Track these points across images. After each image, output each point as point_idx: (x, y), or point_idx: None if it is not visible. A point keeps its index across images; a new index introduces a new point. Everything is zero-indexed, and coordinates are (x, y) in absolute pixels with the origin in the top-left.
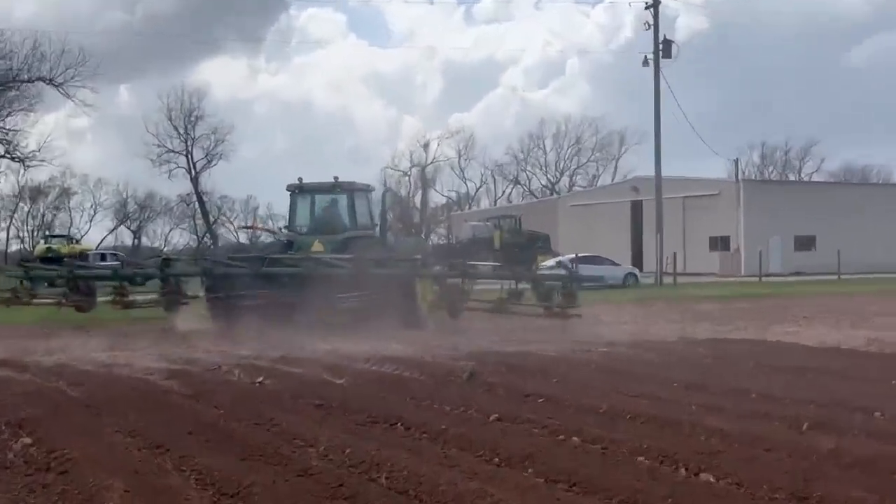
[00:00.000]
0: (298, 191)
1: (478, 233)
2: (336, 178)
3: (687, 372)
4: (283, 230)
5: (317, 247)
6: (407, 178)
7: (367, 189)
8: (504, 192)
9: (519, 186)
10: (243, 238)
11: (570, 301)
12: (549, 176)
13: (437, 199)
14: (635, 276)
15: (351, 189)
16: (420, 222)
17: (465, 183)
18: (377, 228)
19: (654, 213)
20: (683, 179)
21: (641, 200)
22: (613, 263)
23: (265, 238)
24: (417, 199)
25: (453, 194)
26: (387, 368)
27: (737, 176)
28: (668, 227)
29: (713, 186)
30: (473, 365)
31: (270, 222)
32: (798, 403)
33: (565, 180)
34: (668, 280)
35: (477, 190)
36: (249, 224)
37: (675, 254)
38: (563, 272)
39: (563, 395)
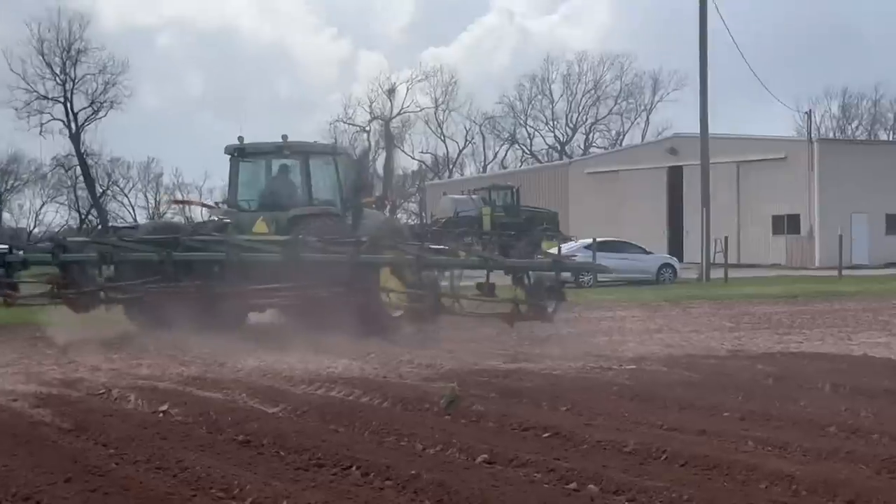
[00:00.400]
0: (239, 154)
1: (461, 209)
2: (285, 136)
3: (742, 397)
4: (220, 206)
5: (259, 227)
6: (365, 135)
7: (330, 152)
8: (496, 154)
9: (517, 147)
10: (174, 217)
11: (550, 297)
12: (557, 133)
13: (406, 163)
14: (673, 268)
15: (306, 151)
16: (383, 195)
17: (443, 142)
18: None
19: (697, 185)
20: (738, 139)
21: (682, 166)
22: (644, 251)
23: (209, 217)
24: (379, 164)
25: (428, 157)
26: (337, 392)
27: (809, 134)
28: (718, 202)
29: (778, 148)
30: (455, 387)
31: (201, 196)
32: (891, 439)
33: (579, 139)
34: (716, 274)
35: (460, 152)
36: (179, 199)
37: (726, 238)
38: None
39: (574, 427)
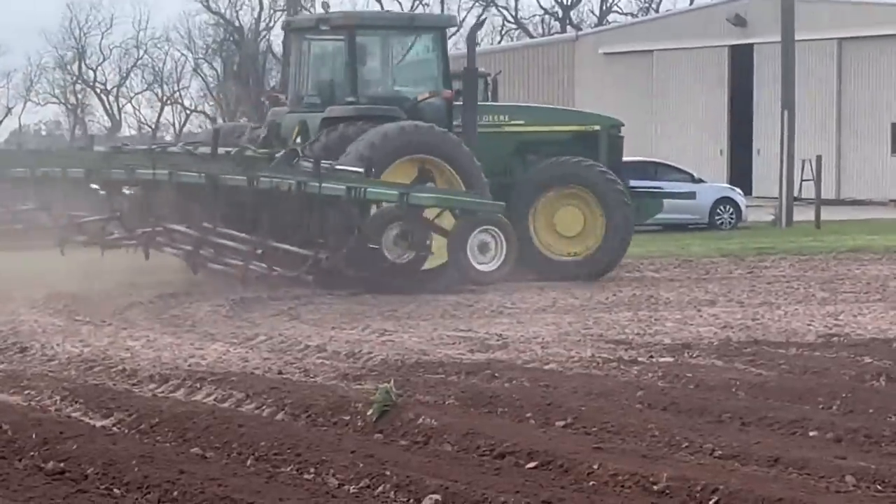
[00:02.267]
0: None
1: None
2: (325, 5)
3: (838, 407)
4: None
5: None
6: None
7: (404, 24)
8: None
9: (494, 13)
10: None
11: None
12: None
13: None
14: (735, 205)
15: (359, 25)
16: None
17: (379, 4)
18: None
19: (775, 74)
20: (840, 2)
21: (752, 45)
22: (691, 178)
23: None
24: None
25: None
26: (206, 395)
27: None
28: (807, 103)
29: None
30: (390, 389)
31: None
32: None
33: (592, 2)
34: (802, 215)
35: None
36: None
37: (819, 159)
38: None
39: (577, 454)
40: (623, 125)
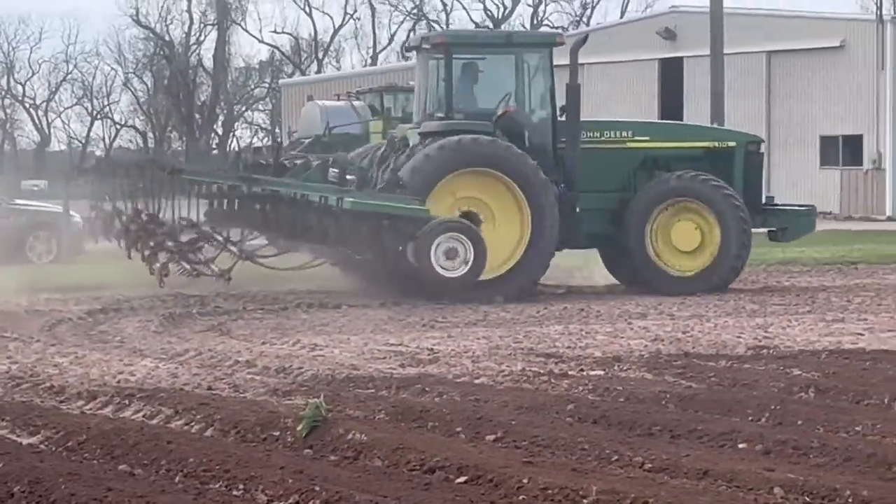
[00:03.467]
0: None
1: (335, 122)
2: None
3: (767, 419)
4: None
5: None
6: (184, 4)
7: (501, 42)
8: (393, 37)
9: (426, 25)
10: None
11: None
12: (490, 2)
13: (250, 50)
14: None
15: (461, 43)
16: (211, 101)
17: (309, 17)
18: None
19: (704, 86)
20: (769, 16)
21: (681, 58)
22: None
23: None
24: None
25: (286, 41)
26: (134, 412)
27: (879, 9)
28: (737, 115)
29: (830, 31)
30: (320, 404)
31: None
32: None
33: (523, 13)
34: None
35: (335, 32)
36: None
37: None
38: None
39: (507, 468)
40: (763, 141)
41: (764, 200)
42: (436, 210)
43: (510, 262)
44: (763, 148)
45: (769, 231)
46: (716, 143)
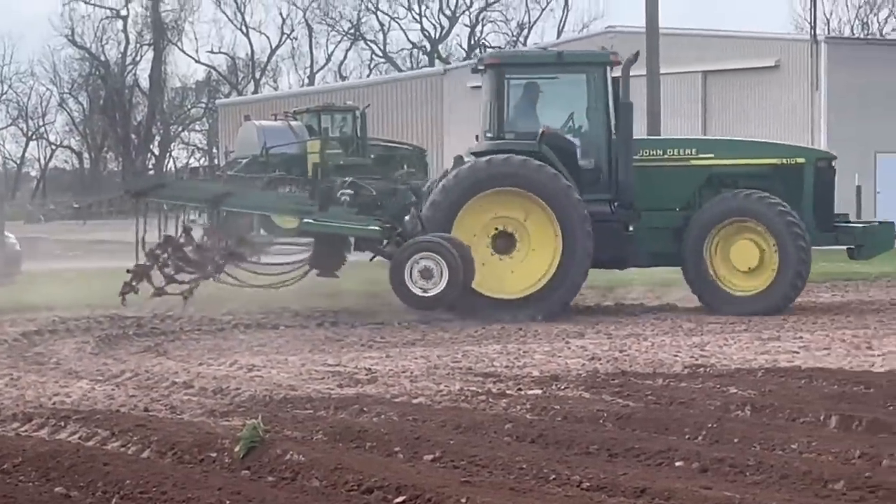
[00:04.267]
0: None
1: (273, 142)
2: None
3: (703, 437)
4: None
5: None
6: (119, 24)
7: (548, 61)
8: (330, 57)
9: (362, 46)
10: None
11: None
12: (425, 25)
13: (186, 70)
14: None
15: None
16: (147, 121)
17: (246, 37)
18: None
19: (642, 104)
20: (706, 36)
21: (618, 78)
22: None
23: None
24: (144, 72)
25: (222, 61)
26: (70, 434)
27: (813, 30)
28: (674, 130)
29: (766, 51)
30: (258, 425)
31: None
32: None
33: (459, 33)
34: None
35: (273, 52)
36: None
37: None
38: None
39: (445, 488)
40: (835, 157)
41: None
42: (471, 228)
43: (543, 281)
44: (834, 164)
45: (847, 249)
46: (784, 160)
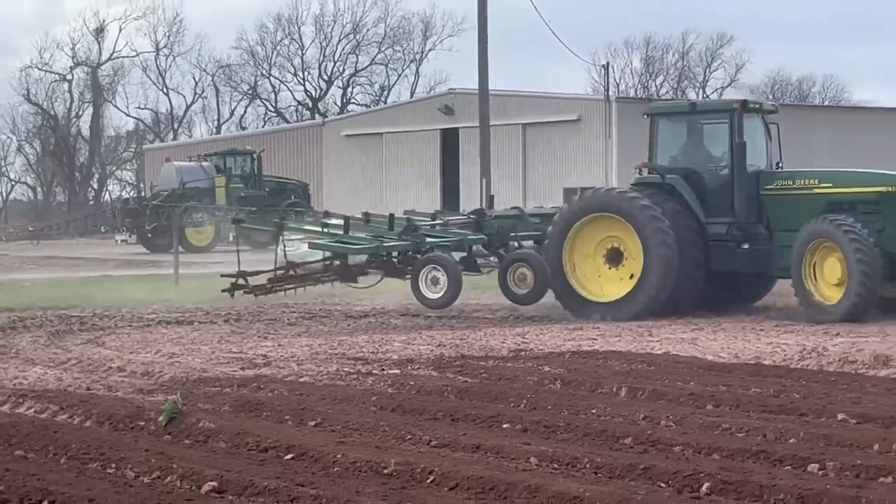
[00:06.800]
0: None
1: (188, 179)
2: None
3: (524, 405)
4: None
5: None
6: (66, 85)
7: (681, 111)
8: (233, 112)
9: (258, 104)
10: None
11: None
12: (308, 87)
13: (119, 122)
14: None
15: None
16: (88, 162)
17: (167, 96)
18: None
19: (476, 150)
20: (525, 96)
21: (458, 129)
22: None
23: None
24: (85, 124)
25: (147, 114)
26: (27, 409)
27: (606, 91)
28: (501, 172)
29: (570, 108)
30: (177, 400)
31: None
32: (695, 452)
33: (335, 94)
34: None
35: (188, 108)
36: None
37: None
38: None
39: (324, 447)
40: None
41: None
42: (584, 247)
43: (626, 290)
44: None
45: None
46: (891, 188)
